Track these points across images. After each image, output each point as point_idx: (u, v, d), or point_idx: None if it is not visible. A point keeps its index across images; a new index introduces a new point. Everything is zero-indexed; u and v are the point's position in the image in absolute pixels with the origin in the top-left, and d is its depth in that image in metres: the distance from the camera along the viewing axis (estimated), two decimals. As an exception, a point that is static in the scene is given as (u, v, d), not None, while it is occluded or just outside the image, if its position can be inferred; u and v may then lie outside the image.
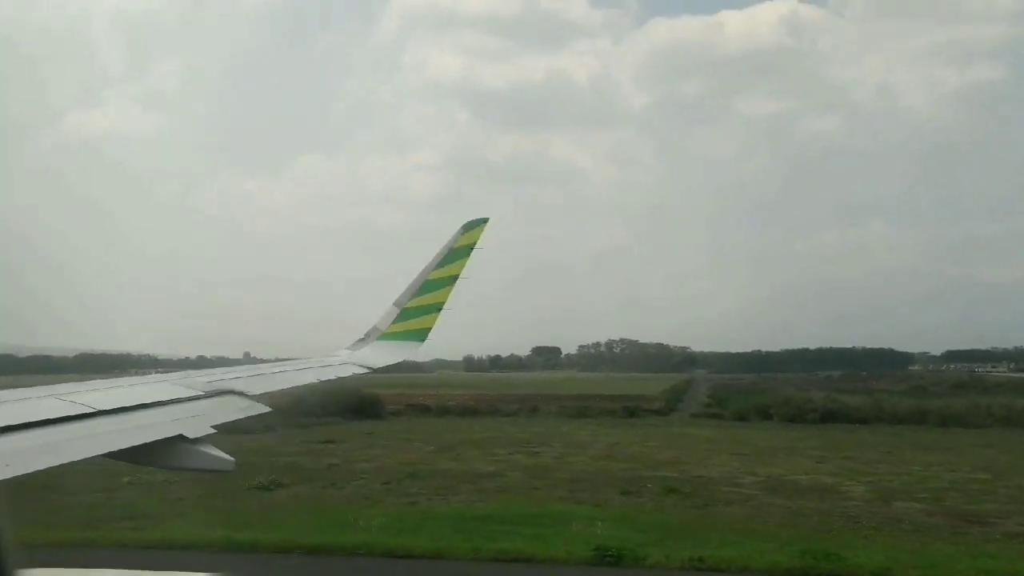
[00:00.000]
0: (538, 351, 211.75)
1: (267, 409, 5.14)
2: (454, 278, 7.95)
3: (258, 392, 5.23)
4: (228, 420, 4.61)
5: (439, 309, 7.98)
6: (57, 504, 14.07)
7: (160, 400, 4.54)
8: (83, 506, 15.42)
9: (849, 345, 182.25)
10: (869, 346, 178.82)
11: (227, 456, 4.04)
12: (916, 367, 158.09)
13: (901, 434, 34.99)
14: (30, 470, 2.96)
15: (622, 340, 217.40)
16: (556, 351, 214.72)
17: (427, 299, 8.00)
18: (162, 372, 6.36)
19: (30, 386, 4.37)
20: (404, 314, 8.01)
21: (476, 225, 8.04)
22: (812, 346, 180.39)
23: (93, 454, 3.41)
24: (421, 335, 7.98)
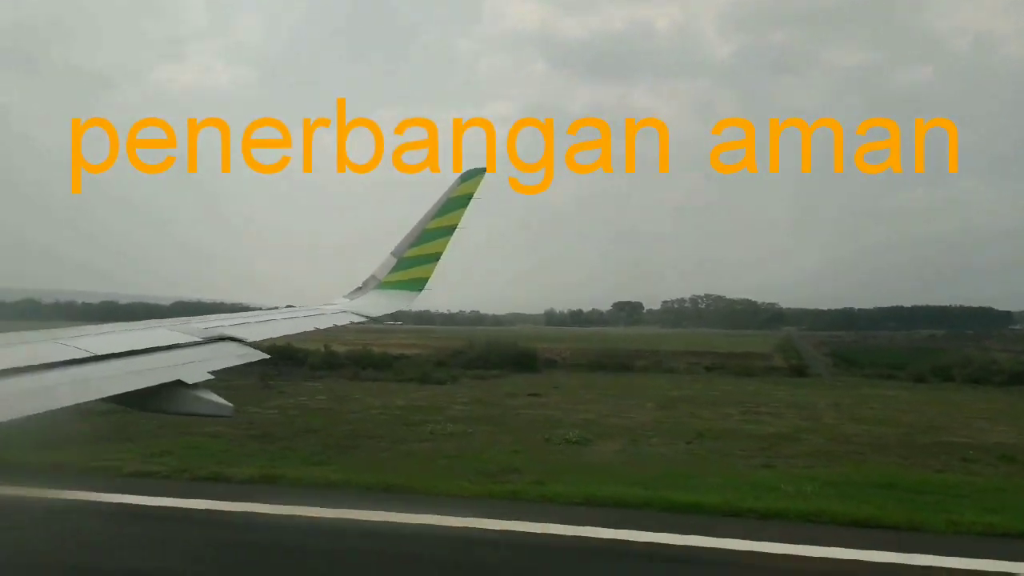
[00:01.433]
0: (619, 306, 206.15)
1: (264, 356, 5.17)
2: (452, 228, 7.91)
3: (255, 339, 5.25)
4: (225, 366, 4.65)
5: (436, 259, 7.96)
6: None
7: (157, 345, 4.56)
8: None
9: (942, 304, 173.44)
10: (963, 304, 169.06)
11: (225, 402, 4.08)
12: (1017, 327, 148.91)
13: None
14: (24, 414, 2.99)
15: (707, 296, 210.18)
16: (638, 306, 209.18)
17: (424, 249, 7.97)
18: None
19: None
20: (401, 264, 8.00)
21: (474, 175, 7.96)
22: (904, 304, 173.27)
23: (90, 398, 3.44)
24: (418, 285, 7.98)
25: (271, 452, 13.91)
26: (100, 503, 9.89)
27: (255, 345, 5.20)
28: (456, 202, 7.92)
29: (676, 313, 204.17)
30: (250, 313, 6.55)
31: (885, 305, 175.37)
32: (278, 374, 27.48)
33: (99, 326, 5.02)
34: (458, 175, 8.10)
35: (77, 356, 3.81)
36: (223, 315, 6.25)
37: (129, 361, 4.14)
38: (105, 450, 12.95)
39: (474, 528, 8.94)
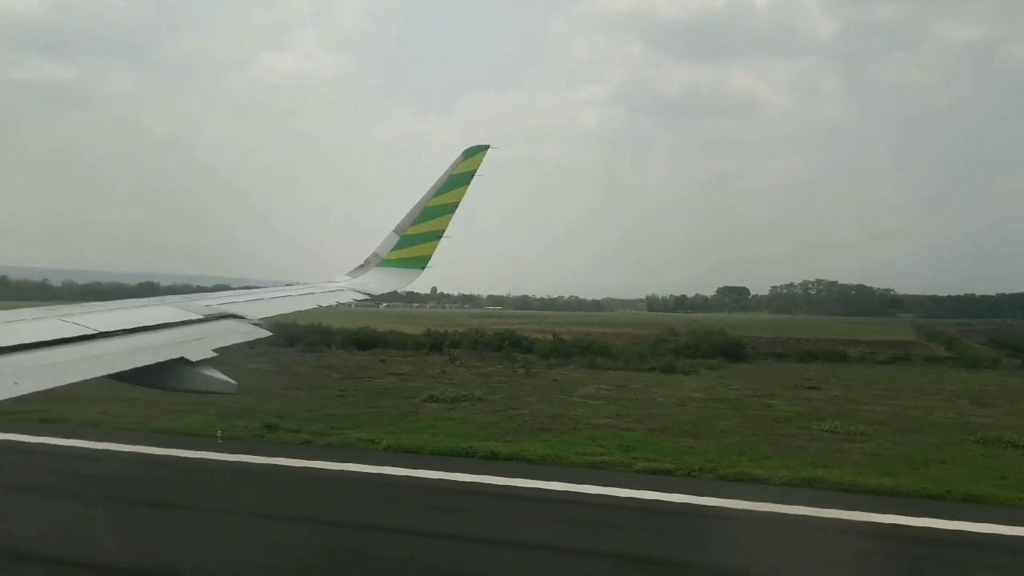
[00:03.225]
0: (724, 291, 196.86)
1: (267, 334, 5.20)
2: (454, 205, 7.90)
3: (258, 317, 5.29)
4: (229, 344, 4.68)
5: (439, 236, 7.97)
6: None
7: (161, 323, 4.60)
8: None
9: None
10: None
11: (229, 379, 4.13)
12: None
13: None
14: (30, 391, 3.03)
15: (819, 281, 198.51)
16: (744, 291, 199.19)
17: (427, 226, 7.97)
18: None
19: None
20: (404, 241, 8.00)
21: (477, 152, 7.92)
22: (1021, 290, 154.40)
23: (95, 375, 3.48)
24: (421, 262, 7.99)
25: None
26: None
27: (258, 323, 5.24)
28: (459, 179, 7.90)
29: (785, 299, 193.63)
30: (251, 291, 6.57)
31: (1009, 292, 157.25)
32: (526, 360, 27.24)
33: (105, 303, 5.05)
34: (461, 152, 8.07)
35: (82, 333, 3.85)
36: (226, 292, 6.28)
37: (133, 338, 4.18)
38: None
39: None
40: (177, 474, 11.03)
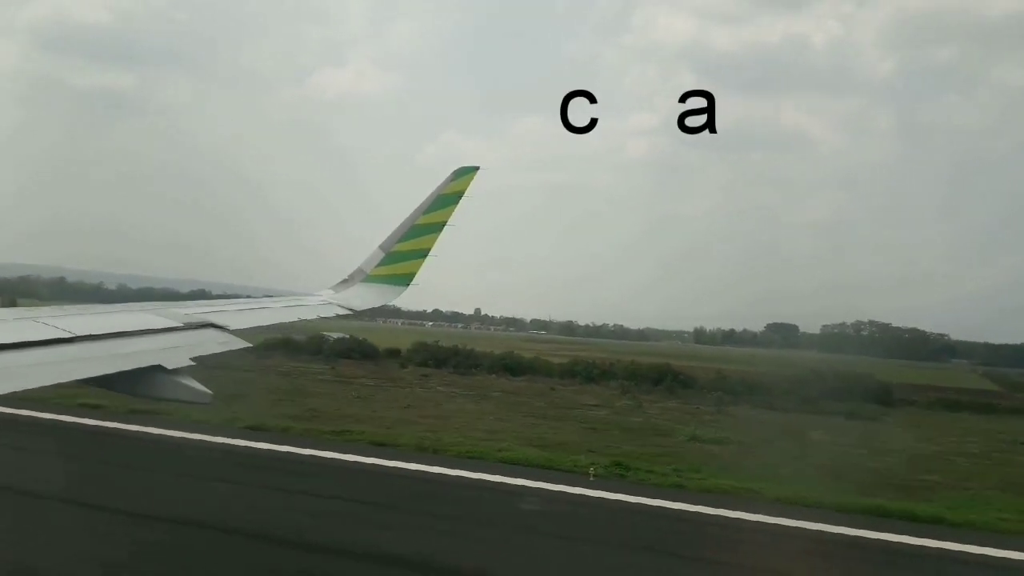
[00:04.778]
0: (773, 328, 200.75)
1: (247, 344, 5.19)
2: (442, 224, 7.94)
3: (238, 327, 5.27)
4: (207, 353, 4.67)
5: (425, 254, 8.00)
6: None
7: (140, 329, 4.57)
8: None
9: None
10: None
11: (205, 388, 4.10)
12: None
13: None
14: (1, 392, 3.00)
15: (871, 322, 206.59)
16: (794, 328, 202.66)
17: (414, 244, 8.00)
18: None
19: None
20: (390, 258, 8.02)
21: (466, 172, 7.99)
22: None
23: (65, 380, 3.45)
24: (406, 280, 8.01)
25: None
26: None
27: (238, 333, 5.22)
28: (447, 199, 7.96)
29: (837, 338, 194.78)
30: (233, 300, 6.55)
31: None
32: (719, 398, 25.80)
33: (83, 307, 5.02)
34: (451, 172, 8.13)
35: (56, 336, 3.82)
36: (207, 301, 6.26)
37: (110, 343, 4.15)
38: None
39: None
40: (588, 510, 10.59)
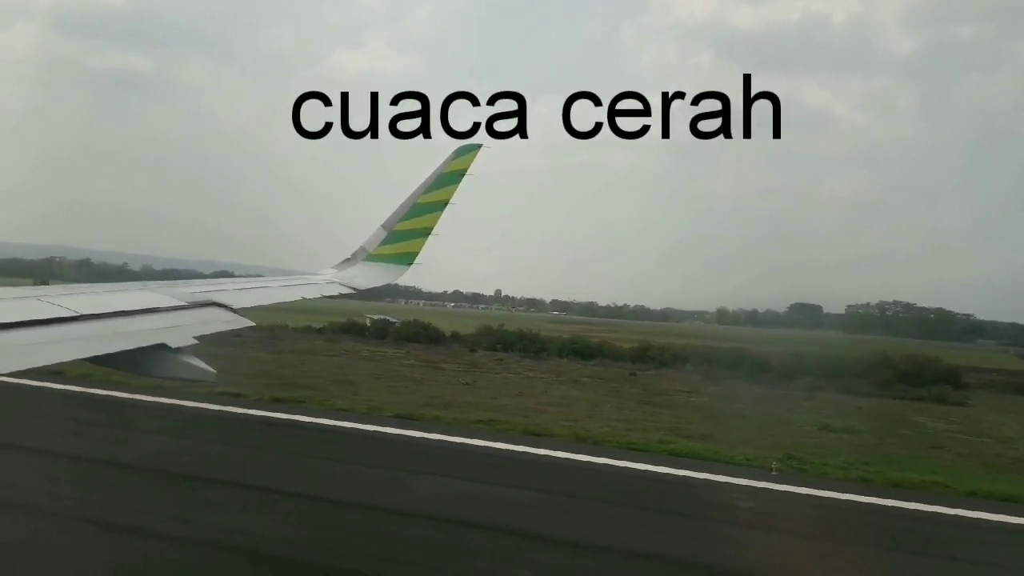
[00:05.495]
0: (797, 308, 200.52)
1: (251, 323, 5.17)
2: (444, 203, 7.88)
3: (241, 306, 5.25)
4: (211, 332, 4.65)
5: (427, 233, 7.94)
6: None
7: (143, 308, 4.55)
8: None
9: None
10: None
11: (209, 368, 4.09)
12: None
13: None
14: (3, 372, 2.98)
15: (896, 302, 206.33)
16: (818, 309, 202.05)
17: (416, 223, 7.94)
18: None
19: None
20: (392, 236, 7.97)
21: (468, 151, 7.92)
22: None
23: (68, 358, 3.43)
24: (408, 259, 7.97)
25: None
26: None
27: (242, 312, 5.20)
28: (449, 177, 7.89)
29: (861, 318, 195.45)
30: (236, 280, 6.52)
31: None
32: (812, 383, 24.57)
33: (86, 285, 4.99)
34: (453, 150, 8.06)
35: (59, 315, 3.80)
36: (209, 280, 6.23)
37: (114, 322, 4.13)
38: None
39: None
40: (814, 510, 10.27)
